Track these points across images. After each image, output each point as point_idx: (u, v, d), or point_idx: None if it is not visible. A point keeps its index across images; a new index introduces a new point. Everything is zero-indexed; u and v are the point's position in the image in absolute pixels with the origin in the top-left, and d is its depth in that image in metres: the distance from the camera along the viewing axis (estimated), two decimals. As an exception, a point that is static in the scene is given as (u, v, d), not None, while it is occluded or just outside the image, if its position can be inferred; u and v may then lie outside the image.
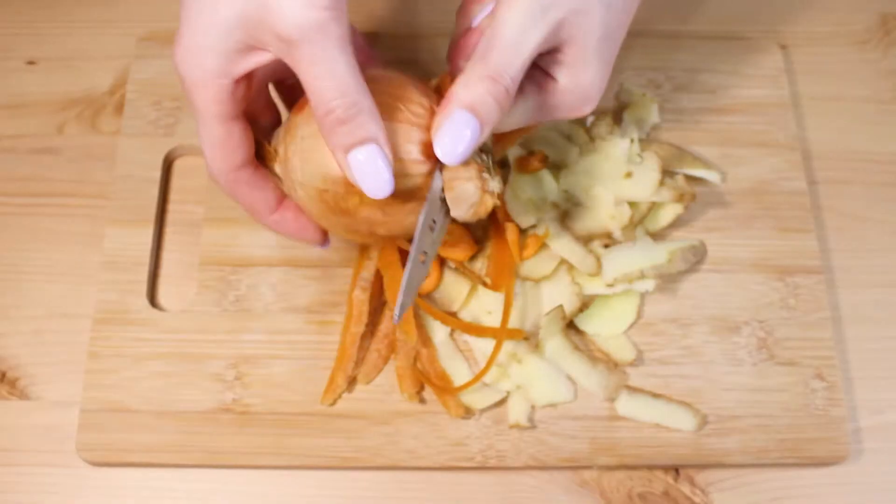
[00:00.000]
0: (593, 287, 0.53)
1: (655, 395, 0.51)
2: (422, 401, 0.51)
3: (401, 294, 0.41)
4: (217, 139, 0.42)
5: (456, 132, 0.39)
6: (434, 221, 0.43)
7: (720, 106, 0.60)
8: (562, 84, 0.43)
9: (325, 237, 0.48)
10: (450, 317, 0.52)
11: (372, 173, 0.39)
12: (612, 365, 0.52)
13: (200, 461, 0.50)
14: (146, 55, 0.60)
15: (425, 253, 0.42)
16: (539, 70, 0.43)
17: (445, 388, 0.50)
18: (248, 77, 0.42)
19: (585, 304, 0.53)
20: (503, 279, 0.52)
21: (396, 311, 0.41)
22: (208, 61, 0.40)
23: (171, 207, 0.56)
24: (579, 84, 0.43)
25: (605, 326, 0.53)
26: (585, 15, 0.40)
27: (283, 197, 0.46)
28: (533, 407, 0.51)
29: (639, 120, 0.58)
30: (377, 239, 0.47)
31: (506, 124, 0.43)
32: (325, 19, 0.37)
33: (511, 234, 0.52)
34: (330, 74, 0.38)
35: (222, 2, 0.39)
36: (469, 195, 0.42)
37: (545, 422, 0.51)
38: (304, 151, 0.42)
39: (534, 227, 0.53)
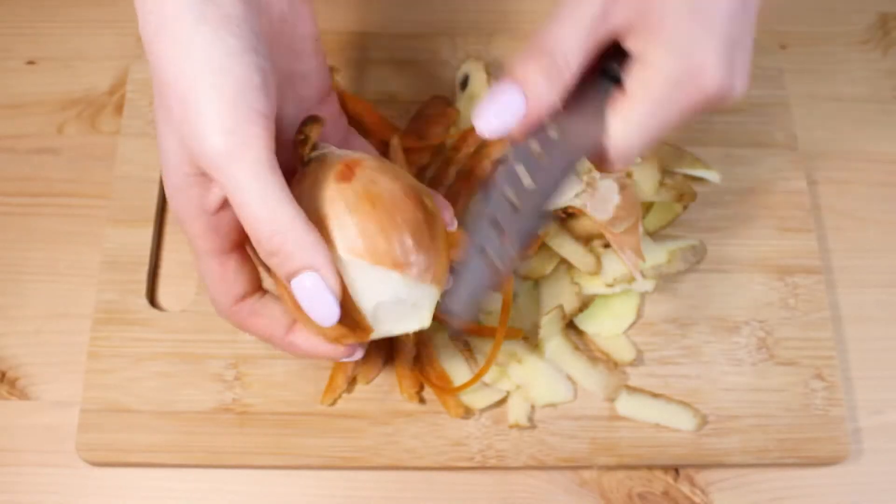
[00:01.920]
0: (593, 287, 0.53)
1: (655, 395, 0.51)
2: (422, 401, 0.51)
3: (454, 291, 0.37)
4: (214, 274, 0.41)
5: (499, 105, 0.37)
6: (498, 221, 0.38)
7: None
8: (657, 61, 0.37)
9: (349, 350, 0.43)
10: (450, 317, 0.52)
11: (314, 301, 0.37)
12: (612, 365, 0.52)
13: (200, 461, 0.50)
14: (146, 55, 0.59)
15: (484, 250, 0.38)
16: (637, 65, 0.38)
17: (445, 388, 0.50)
18: (229, 205, 0.39)
19: (585, 304, 0.53)
20: (503, 279, 0.52)
21: (457, 309, 0.37)
22: (181, 200, 0.39)
23: (171, 207, 0.56)
24: (676, 57, 0.37)
25: (605, 326, 0.53)
26: None
27: (294, 319, 0.43)
28: (533, 407, 0.51)
29: (639, 120, 0.58)
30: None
31: (627, 135, 0.38)
32: (234, 144, 0.35)
33: None
34: (250, 203, 0.36)
35: (167, 139, 0.38)
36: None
37: (545, 422, 0.51)
38: None
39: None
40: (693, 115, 0.39)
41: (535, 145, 0.38)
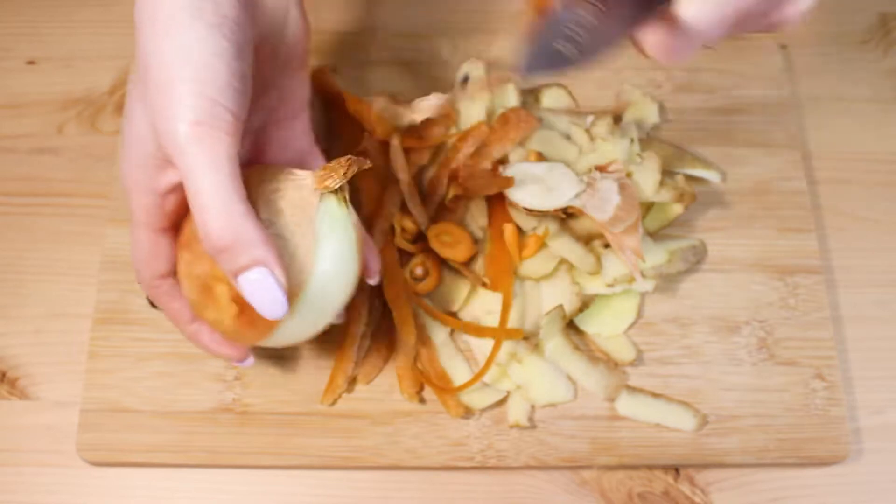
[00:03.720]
0: (593, 287, 0.53)
1: (655, 395, 0.51)
2: (422, 401, 0.51)
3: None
4: (144, 247, 0.42)
5: None
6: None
7: (720, 106, 0.60)
8: None
9: (243, 354, 0.46)
10: (449, 317, 0.52)
11: (263, 295, 0.37)
12: (612, 365, 0.52)
13: (200, 461, 0.50)
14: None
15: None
16: None
17: (445, 388, 0.51)
18: (178, 190, 0.40)
19: (585, 303, 0.53)
20: (502, 280, 0.52)
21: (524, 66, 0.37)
22: (135, 174, 0.40)
23: (171, 207, 0.57)
24: None
25: (605, 326, 0.53)
26: None
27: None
28: (533, 407, 0.51)
29: (639, 120, 0.58)
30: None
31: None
32: (202, 135, 0.36)
33: (509, 234, 0.52)
34: (205, 193, 0.36)
35: (136, 115, 0.39)
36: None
37: (545, 421, 0.51)
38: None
39: (534, 228, 0.53)
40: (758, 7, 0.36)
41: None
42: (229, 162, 0.37)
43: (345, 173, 0.40)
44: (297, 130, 0.46)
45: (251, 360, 0.47)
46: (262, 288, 0.37)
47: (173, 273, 0.43)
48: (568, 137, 0.57)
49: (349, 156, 0.40)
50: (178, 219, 0.42)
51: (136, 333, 0.52)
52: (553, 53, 0.37)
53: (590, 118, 0.57)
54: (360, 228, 0.43)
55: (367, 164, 0.40)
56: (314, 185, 0.40)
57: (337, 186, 0.40)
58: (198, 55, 0.36)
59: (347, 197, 0.41)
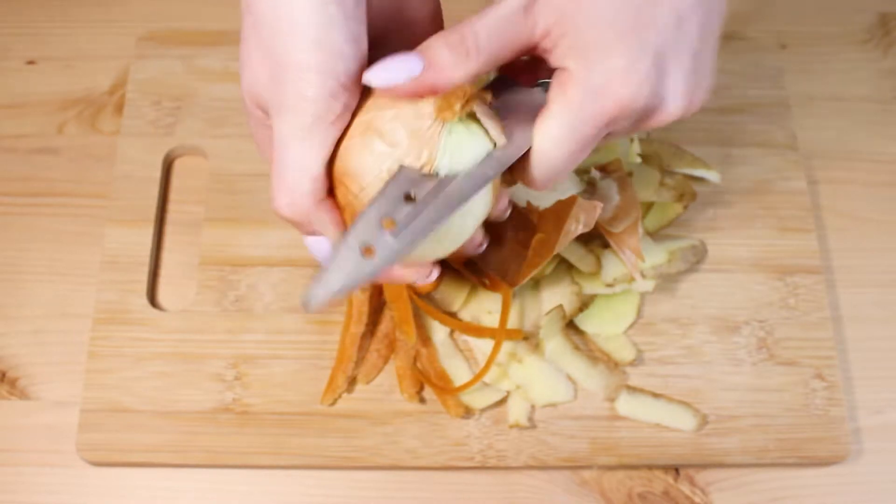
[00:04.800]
0: (593, 287, 0.53)
1: (655, 395, 0.51)
2: (422, 401, 0.51)
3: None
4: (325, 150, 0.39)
5: (394, 62, 0.36)
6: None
7: (720, 106, 0.60)
8: (573, 68, 0.36)
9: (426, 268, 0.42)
10: (449, 317, 0.52)
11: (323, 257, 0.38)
12: (612, 365, 0.52)
13: (200, 461, 0.50)
14: (146, 55, 0.60)
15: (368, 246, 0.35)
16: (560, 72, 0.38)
17: (445, 388, 0.50)
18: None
19: (585, 304, 0.53)
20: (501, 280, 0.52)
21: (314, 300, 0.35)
22: (257, 134, 0.40)
23: (171, 207, 0.56)
24: (592, 63, 0.36)
25: (605, 326, 0.53)
26: None
27: None
28: (533, 407, 0.51)
29: (639, 120, 0.58)
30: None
31: (546, 148, 0.38)
32: (295, 104, 0.35)
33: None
34: (284, 166, 0.36)
35: (253, 53, 0.38)
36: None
37: (545, 421, 0.51)
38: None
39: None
40: (612, 128, 0.38)
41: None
42: (325, 142, 0.36)
43: (462, 106, 0.36)
44: (432, 26, 0.43)
45: (435, 273, 0.43)
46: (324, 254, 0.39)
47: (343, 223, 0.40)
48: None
49: (467, 86, 0.37)
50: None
51: (136, 333, 0.52)
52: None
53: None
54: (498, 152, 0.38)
55: (489, 98, 0.38)
56: (434, 115, 0.37)
57: (457, 118, 0.37)
58: (308, 28, 0.35)
59: (483, 117, 0.37)
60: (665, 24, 0.36)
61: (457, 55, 0.36)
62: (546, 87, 0.39)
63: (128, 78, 0.59)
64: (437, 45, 0.36)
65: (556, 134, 0.37)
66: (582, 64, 0.36)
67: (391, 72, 0.36)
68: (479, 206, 0.39)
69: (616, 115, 0.37)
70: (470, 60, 0.36)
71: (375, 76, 0.36)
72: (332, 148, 0.37)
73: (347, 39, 0.36)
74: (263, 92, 0.37)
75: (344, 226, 0.38)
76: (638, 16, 0.36)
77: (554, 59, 0.37)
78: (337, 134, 0.37)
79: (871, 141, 0.60)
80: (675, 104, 0.38)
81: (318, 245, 0.40)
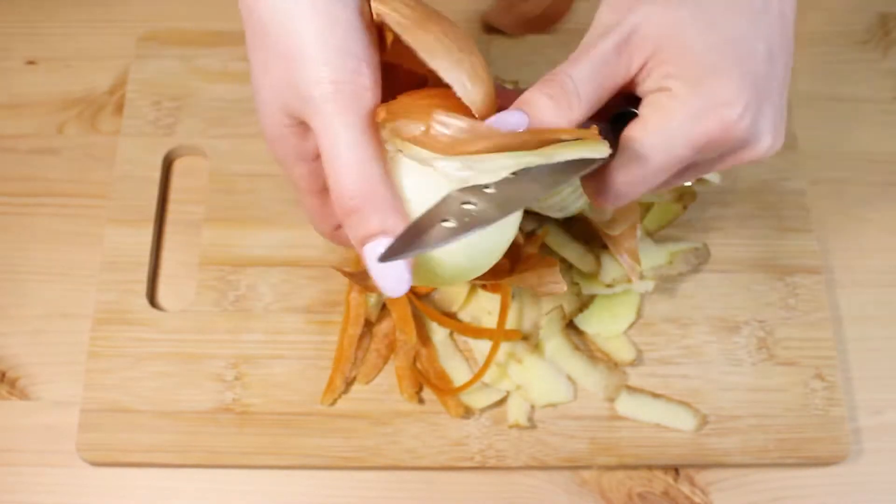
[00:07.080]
0: (593, 287, 0.53)
1: (655, 395, 0.51)
2: (421, 401, 0.51)
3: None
4: (314, 209, 0.40)
5: (499, 120, 0.35)
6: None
7: (720, 106, 0.59)
8: (676, 89, 0.36)
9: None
10: (447, 318, 0.52)
11: (387, 272, 0.34)
12: (612, 365, 0.52)
13: (200, 461, 0.50)
14: (146, 55, 0.60)
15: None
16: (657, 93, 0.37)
17: (445, 388, 0.50)
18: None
19: (585, 304, 0.53)
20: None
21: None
22: (281, 149, 0.39)
23: (171, 207, 0.56)
24: (696, 86, 0.35)
25: (605, 326, 0.53)
26: (669, 12, 0.35)
27: None
28: (533, 407, 0.51)
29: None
30: None
31: (632, 166, 0.37)
32: (333, 92, 0.35)
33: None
34: (339, 155, 0.35)
35: (264, 89, 0.37)
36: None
37: (545, 422, 0.51)
38: None
39: (534, 229, 0.53)
40: (703, 155, 0.37)
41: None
42: (365, 119, 0.35)
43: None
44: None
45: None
46: (387, 265, 0.34)
47: None
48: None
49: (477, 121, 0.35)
50: None
51: (136, 333, 0.52)
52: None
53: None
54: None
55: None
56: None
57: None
58: (323, 5, 0.35)
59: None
60: (762, 59, 0.36)
61: (559, 108, 0.36)
62: (625, 116, 0.38)
63: (128, 78, 0.59)
64: (538, 99, 0.36)
65: (650, 143, 0.36)
66: (686, 85, 0.36)
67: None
68: (511, 227, 0.39)
69: (716, 138, 0.36)
70: (573, 111, 0.36)
71: None
72: (371, 121, 0.36)
73: (349, 13, 0.35)
74: (291, 95, 0.36)
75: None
76: (737, 47, 0.36)
77: (649, 85, 0.37)
78: (371, 107, 0.36)
79: (871, 141, 0.60)
80: (766, 141, 0.38)
81: (376, 250, 0.34)
